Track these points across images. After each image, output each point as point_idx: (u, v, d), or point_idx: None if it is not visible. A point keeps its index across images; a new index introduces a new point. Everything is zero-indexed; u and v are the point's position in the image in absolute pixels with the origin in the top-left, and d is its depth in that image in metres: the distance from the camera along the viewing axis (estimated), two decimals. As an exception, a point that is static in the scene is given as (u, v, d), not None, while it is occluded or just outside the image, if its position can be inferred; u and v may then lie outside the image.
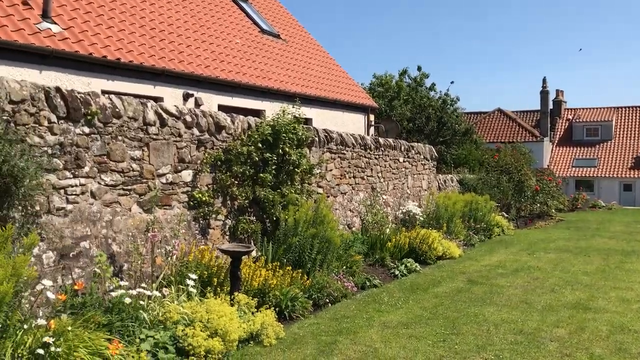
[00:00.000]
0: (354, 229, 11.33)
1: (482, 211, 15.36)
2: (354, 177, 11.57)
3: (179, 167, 7.34)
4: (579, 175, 39.35)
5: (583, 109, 43.89)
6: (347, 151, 11.27)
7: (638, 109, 42.20)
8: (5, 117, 5.24)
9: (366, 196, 11.95)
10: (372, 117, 18.89)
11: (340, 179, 11.07)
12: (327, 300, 7.57)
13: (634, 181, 37.97)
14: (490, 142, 34.94)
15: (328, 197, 10.47)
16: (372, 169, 12.25)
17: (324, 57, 19.25)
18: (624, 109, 42.50)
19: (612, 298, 8.06)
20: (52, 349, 3.93)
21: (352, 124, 17.26)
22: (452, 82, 54.16)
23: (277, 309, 6.64)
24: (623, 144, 40.17)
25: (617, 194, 37.60)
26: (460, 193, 16.57)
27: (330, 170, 10.73)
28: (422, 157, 15.03)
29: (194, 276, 6.19)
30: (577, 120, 42.20)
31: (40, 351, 3.86)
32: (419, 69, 28.17)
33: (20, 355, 4.06)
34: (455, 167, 23.55)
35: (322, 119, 15.55)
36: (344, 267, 8.86)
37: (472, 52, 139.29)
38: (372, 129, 18.83)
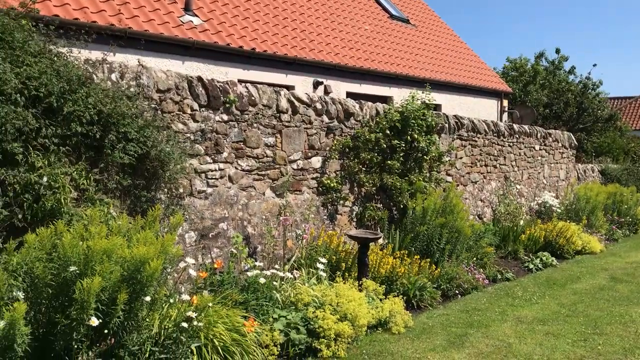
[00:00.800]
0: (484, 219, 10.93)
1: (627, 204, 14.14)
2: (486, 165, 11.14)
3: (309, 154, 7.49)
4: None
5: None
6: (478, 138, 10.86)
7: None
8: (153, 105, 5.63)
9: (498, 185, 11.46)
10: (505, 103, 18.07)
11: (471, 167, 10.70)
12: (457, 292, 7.37)
13: None
14: (637, 129, 32.09)
15: (457, 185, 10.17)
16: (505, 157, 11.72)
17: (455, 41, 18.68)
18: None
19: None
20: (195, 323, 4.17)
21: (483, 110, 16.63)
22: (594, 65, 50.60)
23: (404, 298, 6.58)
24: None
25: None
26: (602, 184, 15.38)
27: (460, 158, 10.41)
28: (560, 145, 14.12)
29: (324, 260, 6.30)
30: None
31: (184, 324, 4.11)
32: (557, 51, 26.40)
33: (165, 327, 4.36)
34: (597, 156, 21.91)
35: (452, 105, 15.14)
36: (474, 258, 8.58)
37: (616, 30, 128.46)
38: (505, 115, 18.02)
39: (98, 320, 3.71)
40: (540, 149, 13.12)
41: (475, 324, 6.09)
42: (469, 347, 5.37)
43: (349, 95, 11.78)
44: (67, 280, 3.80)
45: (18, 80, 4.22)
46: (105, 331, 3.82)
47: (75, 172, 4.76)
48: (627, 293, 7.62)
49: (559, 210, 12.03)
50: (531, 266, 9.21)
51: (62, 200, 4.56)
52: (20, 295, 3.86)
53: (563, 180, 14.25)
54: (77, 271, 3.79)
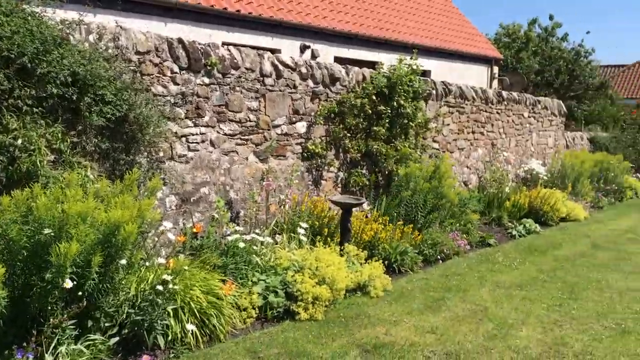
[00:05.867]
0: (470, 186, 10.97)
1: (613, 172, 14.23)
2: (473, 132, 11.12)
3: (294, 119, 7.44)
4: None
5: None
6: (466, 105, 10.81)
7: None
8: (131, 67, 5.54)
9: (485, 152, 11.47)
10: (495, 69, 17.97)
11: (458, 134, 10.69)
12: (438, 257, 7.44)
13: None
14: (628, 97, 32.07)
15: (444, 152, 10.17)
16: (493, 124, 11.70)
17: (446, 5, 18.44)
18: None
19: None
20: (170, 286, 4.20)
21: (473, 77, 16.53)
22: (587, 32, 50.24)
23: (385, 262, 6.64)
24: None
25: None
26: (590, 152, 15.45)
27: (447, 124, 10.38)
28: (549, 112, 14.10)
29: (305, 225, 6.32)
30: None
31: (160, 287, 4.14)
32: (551, 17, 26.06)
33: (143, 289, 4.39)
34: (587, 124, 21.94)
35: (442, 71, 15.02)
36: (458, 224, 8.62)
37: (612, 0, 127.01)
38: (495, 82, 17.93)
39: (72, 282, 3.72)
40: (528, 117, 13.10)
41: (454, 288, 6.17)
42: (446, 310, 5.44)
43: (337, 59, 11.65)
44: (42, 243, 3.79)
45: (-12, 40, 4.13)
46: (80, 293, 3.84)
47: (51, 134, 4.70)
48: (606, 260, 7.73)
49: (545, 178, 12.09)
50: (514, 233, 9.29)
51: (38, 163, 4.52)
52: (-5, 257, 3.86)
53: (551, 147, 14.28)
54: (52, 234, 3.79)
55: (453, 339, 4.75)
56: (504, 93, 12.18)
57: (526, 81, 19.98)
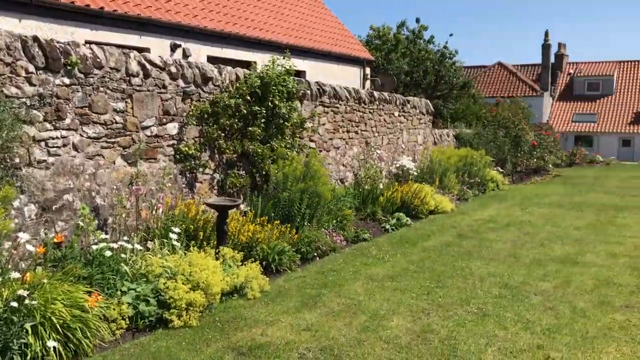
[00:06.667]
0: (346, 183, 11.27)
1: (477, 166, 15.28)
2: (348, 131, 11.44)
3: (164, 120, 7.22)
4: (579, 130, 39.15)
5: (585, 63, 43.27)
6: (340, 105, 11.09)
7: (640, 63, 41.57)
8: (-21, 67, 5.09)
9: (360, 151, 11.85)
10: (368, 70, 18.60)
11: (334, 133, 10.94)
12: (315, 254, 7.57)
13: (633, 136, 37.79)
14: (489, 96, 34.63)
15: (320, 151, 10.37)
16: (366, 124, 12.10)
17: (320, 7, 18.81)
18: (626, 63, 41.85)
19: (601, 252, 8.07)
20: (27, 301, 3.90)
21: (347, 77, 17.00)
22: (450, 35, 53.36)
23: (264, 263, 6.64)
24: (624, 98, 39.72)
25: (615, 149, 37.47)
26: (456, 148, 16.48)
27: (323, 124, 10.59)
28: (418, 111, 14.84)
29: (177, 230, 6.15)
30: (578, 74, 41.66)
31: (15, 304, 3.83)
32: (418, 21, 27.46)
33: (-4, 307, 4.04)
34: (453, 121, 23.35)
35: (316, 72, 15.30)
36: (334, 221, 8.83)
37: (473, 4, 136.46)
38: (367, 83, 18.56)
39: None
40: (399, 116, 13.70)
41: (330, 284, 6.30)
42: (321, 306, 5.55)
43: (210, 59, 11.47)
44: None
45: None
46: None
47: None
48: (470, 248, 8.28)
49: (415, 173, 12.70)
50: (387, 226, 9.68)
51: None
52: None
53: (420, 144, 15.04)
54: None
55: (328, 334, 4.85)
56: (376, 93, 12.65)
57: (396, 82, 20.90)
